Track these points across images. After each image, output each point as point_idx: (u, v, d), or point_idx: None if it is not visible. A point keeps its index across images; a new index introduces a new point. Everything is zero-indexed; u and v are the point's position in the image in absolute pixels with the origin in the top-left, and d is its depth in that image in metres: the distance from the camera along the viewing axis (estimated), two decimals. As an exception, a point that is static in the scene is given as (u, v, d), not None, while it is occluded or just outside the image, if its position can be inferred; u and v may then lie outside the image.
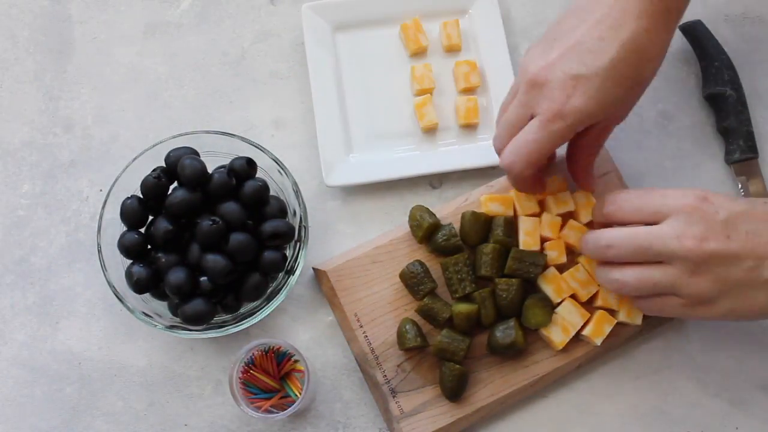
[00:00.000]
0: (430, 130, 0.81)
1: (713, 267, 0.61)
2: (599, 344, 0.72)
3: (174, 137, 0.74)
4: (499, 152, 0.69)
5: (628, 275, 0.64)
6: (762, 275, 0.61)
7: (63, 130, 0.83)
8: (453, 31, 0.82)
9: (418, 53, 0.83)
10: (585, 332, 0.72)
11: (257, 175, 0.74)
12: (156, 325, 0.70)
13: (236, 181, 0.72)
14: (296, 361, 0.72)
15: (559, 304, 0.72)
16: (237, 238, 0.70)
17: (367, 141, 0.81)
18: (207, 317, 0.71)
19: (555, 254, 0.73)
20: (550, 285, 0.72)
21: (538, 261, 0.72)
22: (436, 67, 0.83)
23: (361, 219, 0.80)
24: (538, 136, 0.65)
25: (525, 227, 0.73)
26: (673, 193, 0.63)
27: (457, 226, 0.75)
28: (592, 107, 0.63)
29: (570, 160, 0.73)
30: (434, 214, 0.75)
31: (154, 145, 0.74)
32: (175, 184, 0.73)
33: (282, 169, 0.74)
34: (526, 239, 0.73)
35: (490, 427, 0.74)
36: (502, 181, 0.78)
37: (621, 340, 0.74)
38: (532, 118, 0.66)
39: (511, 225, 0.74)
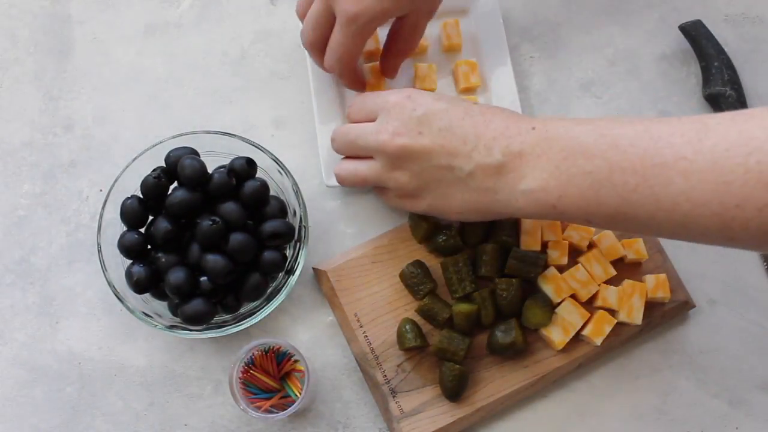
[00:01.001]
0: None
1: (408, 162, 0.65)
2: (599, 344, 0.72)
3: (174, 137, 0.74)
4: (305, 45, 0.75)
5: (341, 168, 0.72)
6: (454, 173, 0.63)
7: (63, 130, 0.83)
8: (453, 31, 0.82)
9: (419, 53, 0.83)
10: (585, 332, 0.72)
11: (257, 175, 0.74)
12: (156, 325, 0.70)
13: (236, 181, 0.72)
14: (296, 361, 0.72)
15: (559, 304, 0.72)
16: (237, 238, 0.70)
17: (367, 141, 0.81)
18: (207, 317, 0.71)
19: (557, 254, 0.73)
20: (550, 285, 0.72)
21: (538, 261, 0.72)
22: (436, 67, 0.82)
23: (361, 219, 0.80)
24: (342, 38, 0.70)
25: (525, 227, 0.73)
26: (390, 93, 0.68)
27: (457, 225, 0.75)
28: (385, 5, 0.67)
29: (384, 54, 0.77)
30: (434, 214, 0.75)
31: (154, 145, 0.74)
32: (175, 184, 0.73)
33: (282, 169, 0.74)
34: (527, 239, 0.73)
35: (490, 427, 0.74)
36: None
37: (621, 340, 0.74)
38: (331, 12, 0.70)
39: (512, 225, 0.74)
